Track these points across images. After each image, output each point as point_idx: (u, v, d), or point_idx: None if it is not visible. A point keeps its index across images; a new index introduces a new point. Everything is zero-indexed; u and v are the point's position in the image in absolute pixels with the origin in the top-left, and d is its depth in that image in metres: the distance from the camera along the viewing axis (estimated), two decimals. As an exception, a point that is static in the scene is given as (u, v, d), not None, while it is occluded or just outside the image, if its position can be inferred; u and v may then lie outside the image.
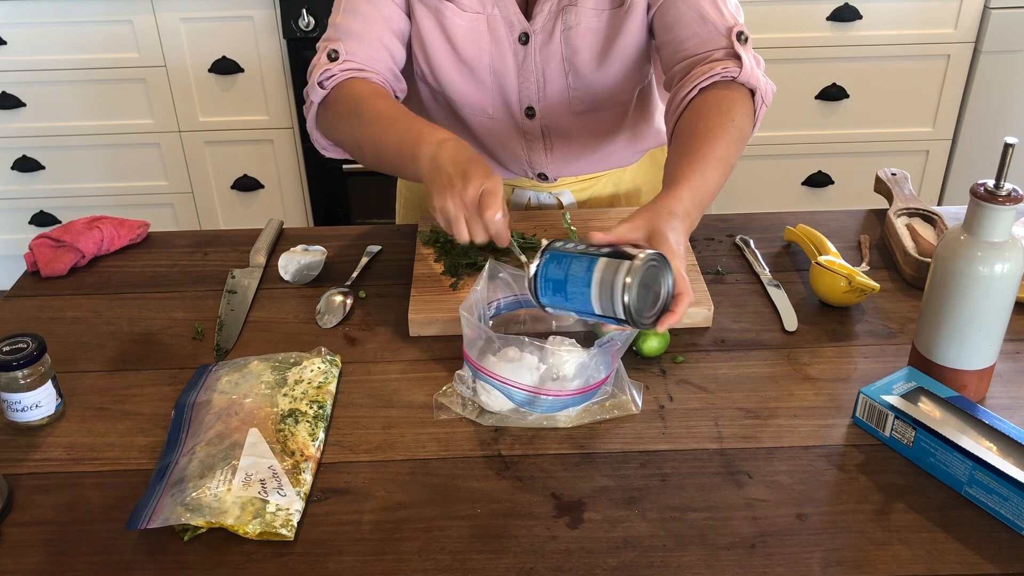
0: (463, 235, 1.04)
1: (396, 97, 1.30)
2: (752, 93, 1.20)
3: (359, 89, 1.23)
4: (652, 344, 1.11)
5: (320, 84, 1.24)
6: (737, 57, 1.19)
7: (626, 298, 0.91)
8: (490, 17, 1.27)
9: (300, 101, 2.61)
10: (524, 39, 1.28)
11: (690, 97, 1.19)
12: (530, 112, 1.34)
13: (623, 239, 0.98)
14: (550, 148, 1.38)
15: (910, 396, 0.98)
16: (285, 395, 1.04)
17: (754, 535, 0.89)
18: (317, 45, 1.30)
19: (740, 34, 1.20)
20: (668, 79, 1.27)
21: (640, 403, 1.05)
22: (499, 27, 1.28)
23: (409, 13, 1.30)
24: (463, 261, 1.24)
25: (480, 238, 1.04)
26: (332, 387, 1.08)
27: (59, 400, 1.06)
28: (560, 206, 1.45)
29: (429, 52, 1.31)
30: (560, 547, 0.88)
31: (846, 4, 2.52)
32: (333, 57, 1.24)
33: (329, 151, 1.32)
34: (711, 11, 1.21)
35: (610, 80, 1.32)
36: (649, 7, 1.26)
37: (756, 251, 1.32)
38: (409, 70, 1.36)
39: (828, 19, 2.54)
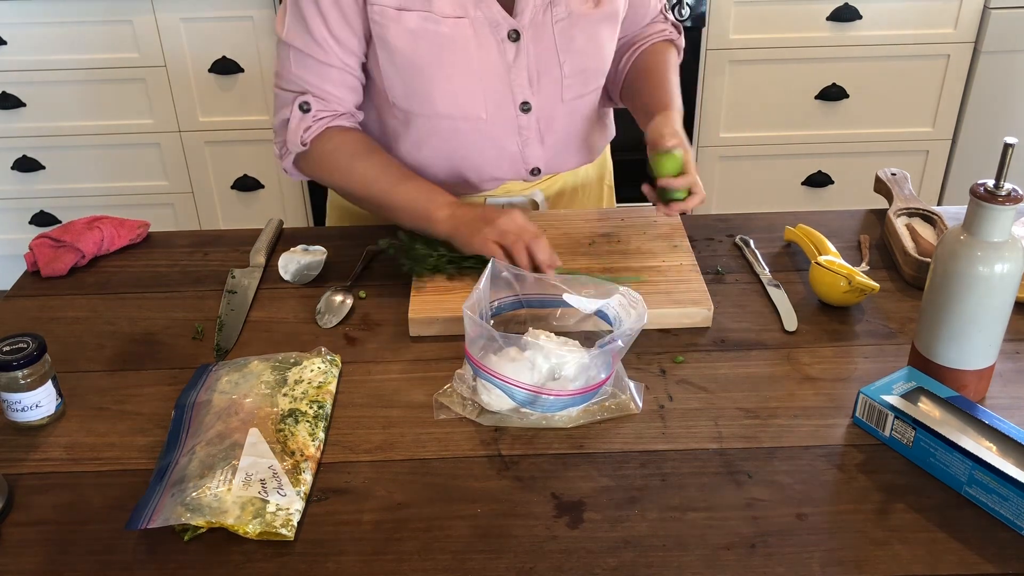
0: (524, 257, 1.18)
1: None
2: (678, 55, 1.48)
3: (343, 146, 1.32)
4: (668, 167, 1.22)
5: (301, 141, 1.31)
6: (674, 25, 1.48)
7: None
8: (473, 20, 1.25)
9: (300, 101, 2.61)
10: (515, 36, 1.28)
11: (644, 47, 1.44)
12: (525, 106, 1.33)
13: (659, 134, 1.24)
14: (542, 140, 1.37)
15: (910, 396, 0.98)
16: (285, 395, 1.04)
17: (754, 535, 0.89)
18: (277, 87, 1.32)
19: (667, 7, 1.50)
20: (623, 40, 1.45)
21: (640, 403, 1.05)
22: (484, 28, 1.26)
23: (365, 44, 1.29)
24: (425, 266, 1.25)
25: (540, 255, 1.18)
26: (332, 387, 1.08)
27: (59, 400, 1.06)
28: (535, 206, 1.45)
29: (411, 72, 1.28)
30: (560, 547, 0.88)
31: (846, 4, 2.52)
32: (306, 109, 1.30)
33: (304, 179, 1.40)
34: None
35: (598, 60, 1.35)
36: None
37: (756, 251, 1.32)
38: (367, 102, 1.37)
39: (828, 19, 2.54)
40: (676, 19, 1.52)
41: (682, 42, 1.49)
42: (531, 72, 1.31)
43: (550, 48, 1.30)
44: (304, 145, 1.31)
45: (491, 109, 1.32)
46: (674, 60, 1.44)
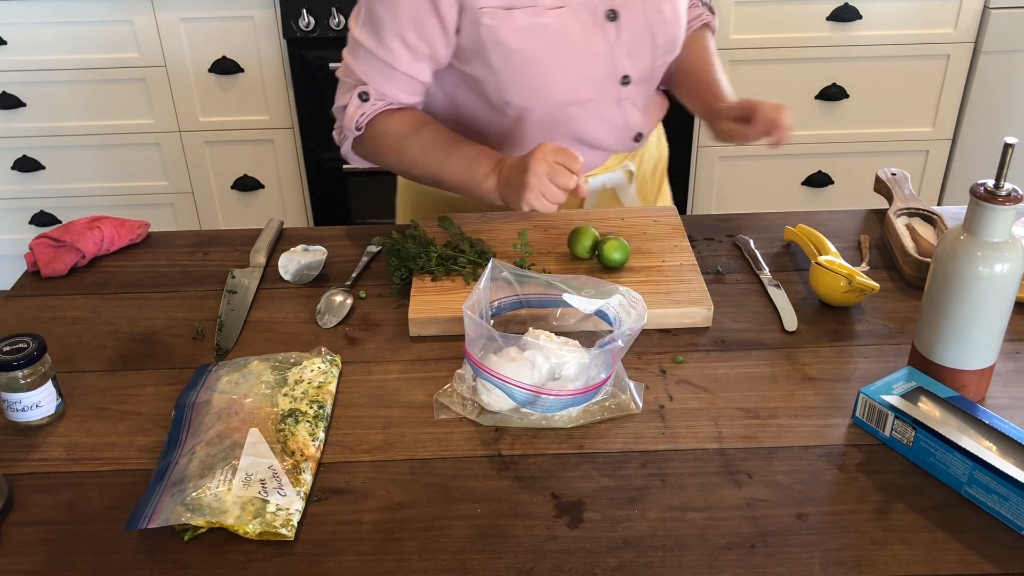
0: (556, 196, 1.19)
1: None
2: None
3: (395, 127, 1.33)
4: (615, 256, 1.24)
5: (357, 126, 1.34)
6: (707, 7, 1.53)
7: None
8: (573, 8, 1.28)
9: (300, 101, 2.61)
10: (612, 15, 1.30)
11: (695, 26, 1.50)
12: (626, 80, 1.37)
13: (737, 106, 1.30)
14: (639, 107, 1.42)
15: (910, 396, 0.98)
16: (285, 395, 1.04)
17: (754, 535, 0.89)
18: (339, 73, 1.35)
19: None
20: None
21: (640, 403, 1.05)
22: (583, 13, 1.29)
23: (445, 52, 1.30)
24: (416, 264, 1.25)
25: (568, 184, 1.18)
26: (332, 387, 1.08)
27: (59, 400, 1.06)
28: (630, 177, 1.49)
29: (524, 69, 1.29)
30: (560, 547, 0.88)
31: (846, 4, 2.52)
32: (364, 99, 1.32)
33: (365, 163, 1.43)
34: None
35: (679, 28, 1.40)
36: None
37: (756, 251, 1.32)
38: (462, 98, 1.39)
39: (828, 19, 2.54)
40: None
41: (716, 23, 1.54)
42: (629, 47, 1.34)
43: (643, 21, 1.33)
44: (359, 129, 1.34)
45: (598, 87, 1.36)
46: (714, 46, 1.50)
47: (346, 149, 1.40)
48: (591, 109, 1.36)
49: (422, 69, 1.31)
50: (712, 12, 1.54)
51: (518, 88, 1.31)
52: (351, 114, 1.33)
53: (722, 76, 1.44)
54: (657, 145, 1.58)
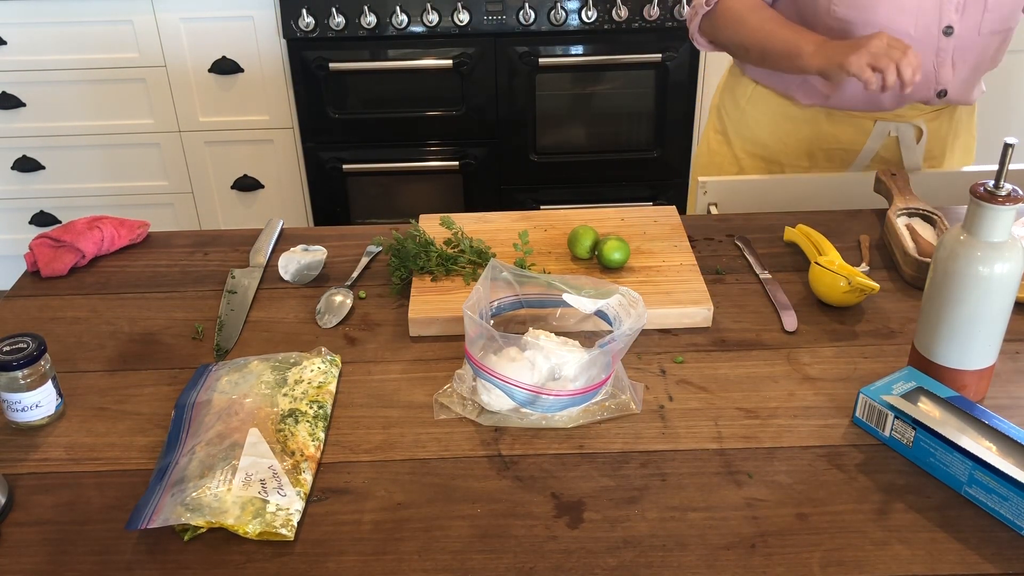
0: (893, 76, 1.26)
1: None
2: None
3: (740, 5, 1.48)
4: (615, 256, 1.23)
5: (707, 2, 1.49)
6: None
7: None
8: None
9: (300, 101, 2.61)
10: None
11: None
12: (948, 30, 1.41)
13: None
14: (954, 65, 1.45)
15: (910, 396, 0.98)
16: (285, 395, 1.04)
17: (754, 535, 0.89)
18: None
19: None
20: None
21: (640, 403, 1.05)
22: None
23: None
24: (416, 264, 1.25)
25: (905, 69, 1.26)
26: (332, 387, 1.08)
27: (59, 400, 1.06)
28: (919, 134, 1.53)
29: None
30: (560, 547, 0.88)
31: (846, 4, 2.52)
32: None
33: (705, 48, 1.57)
34: None
35: (1017, 10, 1.42)
36: None
37: (756, 251, 1.32)
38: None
39: (828, 19, 2.54)
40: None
41: None
42: (964, 2, 1.38)
43: None
44: (708, 5, 1.49)
45: (919, 27, 1.40)
46: None
47: (693, 29, 1.54)
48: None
49: None
50: None
51: (849, 1, 1.40)
52: None
53: None
54: (962, 117, 1.60)
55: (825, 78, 1.35)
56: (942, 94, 1.49)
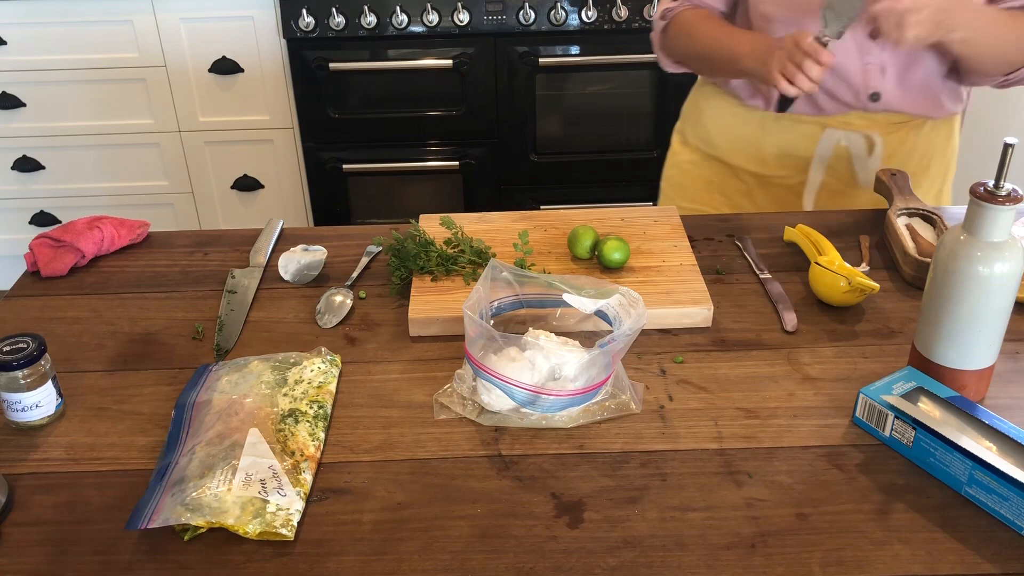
0: (804, 84, 1.25)
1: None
2: None
3: (691, 17, 1.50)
4: (615, 256, 1.24)
5: (662, 17, 1.52)
6: None
7: None
8: None
9: (300, 101, 2.61)
10: None
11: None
12: (874, 32, 1.35)
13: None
14: (885, 68, 1.41)
15: (910, 396, 0.98)
16: (285, 395, 1.04)
17: (754, 535, 0.89)
18: None
19: None
20: None
21: (640, 403, 1.05)
22: None
23: None
24: (416, 264, 1.25)
25: (815, 73, 1.25)
26: (332, 387, 1.08)
27: (59, 400, 1.06)
28: (871, 145, 1.49)
29: None
30: (560, 547, 0.88)
31: (846, 4, 2.52)
32: None
33: (671, 68, 1.58)
34: None
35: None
36: None
37: (756, 251, 1.32)
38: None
39: (828, 19, 2.53)
40: None
41: None
42: None
43: None
44: (663, 19, 1.52)
45: None
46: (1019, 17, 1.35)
47: (657, 48, 1.55)
48: (838, 49, 1.35)
49: None
50: None
51: None
52: (661, 5, 1.52)
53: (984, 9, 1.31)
54: (930, 137, 1.51)
55: (762, 82, 1.36)
56: (875, 97, 1.44)
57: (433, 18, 2.49)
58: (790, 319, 1.18)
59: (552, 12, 2.49)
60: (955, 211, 1.38)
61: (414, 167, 2.71)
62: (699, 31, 1.47)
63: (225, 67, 2.59)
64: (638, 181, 2.76)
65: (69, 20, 2.53)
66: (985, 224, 0.95)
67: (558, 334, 1.09)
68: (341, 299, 1.24)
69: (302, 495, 0.93)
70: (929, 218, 1.34)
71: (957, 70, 1.45)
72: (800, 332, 1.17)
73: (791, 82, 1.26)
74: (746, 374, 1.10)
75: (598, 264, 1.27)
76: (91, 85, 2.62)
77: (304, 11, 2.47)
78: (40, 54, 2.57)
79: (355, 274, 1.29)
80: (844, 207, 1.52)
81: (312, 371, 1.08)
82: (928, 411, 0.96)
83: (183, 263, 1.35)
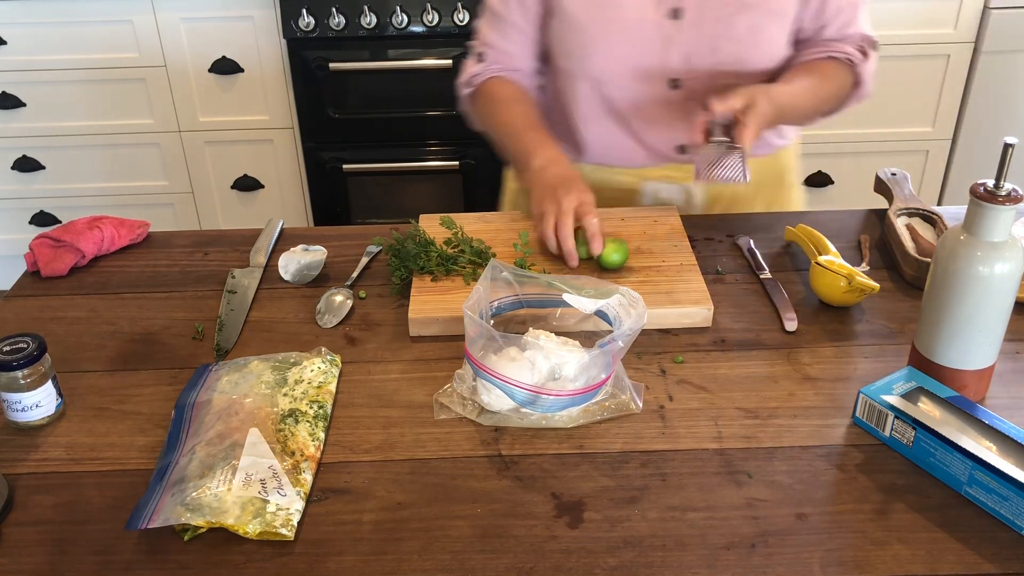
0: (550, 233, 1.24)
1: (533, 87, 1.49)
2: (854, 86, 1.41)
3: (497, 91, 1.44)
4: (613, 259, 1.24)
5: (468, 83, 1.46)
6: (865, 54, 1.39)
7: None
8: None
9: (300, 101, 2.61)
10: (675, 14, 1.30)
11: (816, 55, 1.38)
12: (674, 84, 1.36)
13: (728, 104, 1.21)
14: (690, 120, 1.36)
15: (910, 396, 0.98)
16: (285, 395, 1.04)
17: (754, 535, 0.89)
18: (468, 44, 1.50)
19: (874, 43, 1.41)
20: (796, 44, 1.41)
21: (640, 403, 1.05)
22: (649, 3, 1.31)
23: (546, 3, 1.38)
24: (416, 264, 1.25)
25: (566, 241, 1.23)
26: (332, 387, 1.08)
27: (59, 400, 1.06)
28: (688, 200, 1.47)
29: (573, 35, 1.36)
30: (560, 547, 0.88)
31: (846, 4, 2.52)
32: (481, 58, 1.45)
33: (478, 125, 1.51)
34: (857, 16, 1.40)
35: (759, 53, 1.36)
36: None
37: (756, 251, 1.32)
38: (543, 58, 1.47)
39: (828, 19, 2.54)
40: (869, 48, 1.40)
41: (864, 71, 1.39)
42: (686, 52, 1.33)
43: (709, 32, 1.31)
44: (468, 87, 1.46)
45: (642, 81, 1.37)
46: (831, 71, 1.36)
47: (463, 105, 1.51)
48: (632, 99, 1.38)
49: (530, 23, 1.39)
50: (864, 56, 1.38)
51: (564, 48, 1.38)
52: (467, 71, 1.46)
53: (792, 84, 1.32)
54: (759, 172, 1.46)
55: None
56: (682, 149, 1.42)
57: (433, 18, 2.49)
58: (790, 319, 1.18)
59: (552, 12, 2.49)
60: (955, 211, 1.38)
61: (414, 167, 2.71)
62: (499, 116, 1.42)
63: (225, 67, 2.59)
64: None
65: (69, 20, 2.53)
66: (985, 224, 0.95)
67: (558, 334, 1.09)
68: (341, 299, 1.24)
69: (302, 495, 0.93)
70: (929, 218, 1.34)
71: None
72: (800, 332, 1.17)
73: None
74: (746, 374, 1.10)
75: (597, 266, 1.27)
76: (91, 85, 2.62)
77: (304, 11, 2.47)
78: (40, 54, 2.57)
79: (355, 274, 1.29)
80: None
81: (312, 371, 1.08)
82: (928, 411, 0.96)
83: (183, 263, 1.35)
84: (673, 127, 1.40)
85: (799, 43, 1.41)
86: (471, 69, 1.46)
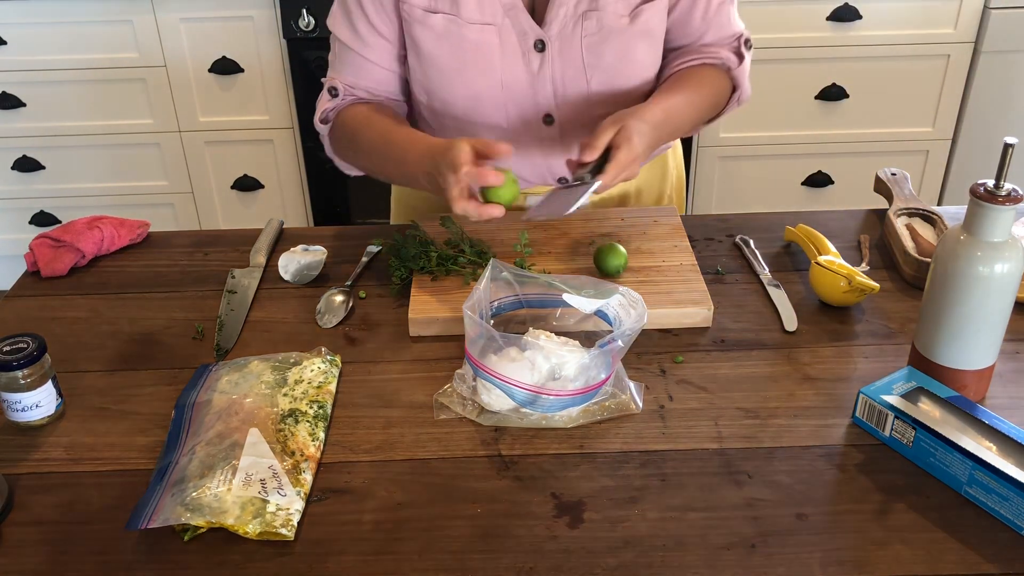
0: (468, 207, 1.10)
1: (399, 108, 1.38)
2: (733, 90, 1.38)
3: (351, 118, 1.31)
4: (611, 265, 1.22)
5: (323, 120, 1.34)
6: (740, 56, 1.36)
7: None
8: (500, 28, 1.25)
9: (300, 101, 2.61)
10: (540, 46, 1.26)
11: (691, 63, 1.34)
12: (548, 119, 1.32)
13: (599, 137, 1.14)
14: (567, 152, 1.35)
15: (910, 396, 0.98)
16: (285, 395, 1.04)
17: (754, 535, 0.89)
18: (323, 80, 1.37)
19: (747, 41, 1.38)
20: (668, 53, 1.37)
21: (640, 403, 1.05)
22: (510, 37, 1.26)
23: (404, 37, 1.30)
24: (416, 265, 1.25)
25: (480, 208, 1.11)
26: (332, 387, 1.08)
27: (59, 400, 1.06)
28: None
29: (433, 73, 1.29)
30: (560, 547, 0.88)
31: (846, 4, 2.52)
32: (334, 94, 1.33)
33: (354, 172, 1.40)
34: (727, 17, 1.36)
35: (630, 77, 1.31)
36: (670, 10, 1.31)
37: (756, 251, 1.32)
38: (408, 91, 1.38)
39: (828, 19, 2.54)
40: (744, 49, 1.36)
41: (740, 76, 1.37)
42: (556, 84, 1.29)
43: (577, 62, 1.27)
44: (324, 123, 1.35)
45: (512, 118, 1.32)
46: (707, 79, 1.33)
47: (329, 152, 1.40)
48: (504, 138, 1.27)
49: (389, 56, 1.31)
50: (739, 60, 1.36)
51: (426, 88, 1.32)
52: (319, 107, 1.34)
53: (667, 99, 1.25)
54: (655, 176, 1.48)
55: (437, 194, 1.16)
56: (562, 181, 1.37)
57: (433, 18, 2.48)
58: (790, 319, 1.18)
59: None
60: (955, 211, 1.38)
61: (414, 167, 2.71)
62: (363, 137, 1.29)
63: (225, 67, 2.59)
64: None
65: (69, 20, 2.52)
66: (985, 224, 0.95)
67: (558, 334, 1.09)
68: (341, 299, 1.24)
69: (302, 495, 0.93)
70: (929, 218, 1.34)
71: None
72: (800, 332, 1.17)
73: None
74: (746, 374, 1.10)
75: (597, 271, 1.26)
76: (91, 85, 2.62)
77: (304, 11, 2.47)
78: (40, 54, 2.57)
79: (355, 274, 1.29)
80: None
81: (312, 371, 1.08)
82: (928, 411, 0.96)
83: (183, 263, 1.35)
84: (549, 162, 1.36)
85: (673, 51, 1.36)
86: (324, 106, 1.33)
